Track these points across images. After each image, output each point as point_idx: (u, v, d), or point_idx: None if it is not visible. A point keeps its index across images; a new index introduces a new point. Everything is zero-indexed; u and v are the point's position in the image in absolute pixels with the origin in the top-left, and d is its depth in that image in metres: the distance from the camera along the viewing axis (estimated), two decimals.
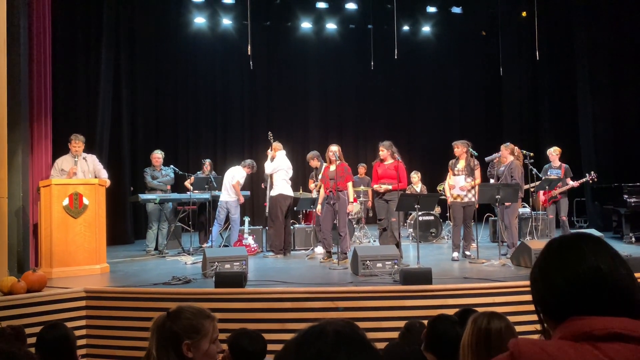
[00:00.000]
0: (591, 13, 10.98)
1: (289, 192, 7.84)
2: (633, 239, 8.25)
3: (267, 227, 8.23)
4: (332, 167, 7.07)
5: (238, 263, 5.73)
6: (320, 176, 8.19)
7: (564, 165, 8.18)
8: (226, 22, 12.65)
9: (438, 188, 9.70)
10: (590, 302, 1.04)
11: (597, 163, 10.56)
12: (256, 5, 10.59)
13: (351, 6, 12.82)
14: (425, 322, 2.77)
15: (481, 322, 2.19)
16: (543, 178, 7.89)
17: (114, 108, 9.88)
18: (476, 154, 7.06)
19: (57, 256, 5.94)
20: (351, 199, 7.14)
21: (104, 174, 6.92)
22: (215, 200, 8.32)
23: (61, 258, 5.96)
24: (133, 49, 10.94)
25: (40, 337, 2.81)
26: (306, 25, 13.22)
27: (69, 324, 3.83)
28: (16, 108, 6.07)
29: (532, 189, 7.82)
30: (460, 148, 7.12)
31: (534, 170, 7.64)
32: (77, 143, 6.79)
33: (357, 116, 14.01)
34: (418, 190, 9.90)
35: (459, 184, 7.01)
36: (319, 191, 8.16)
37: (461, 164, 7.10)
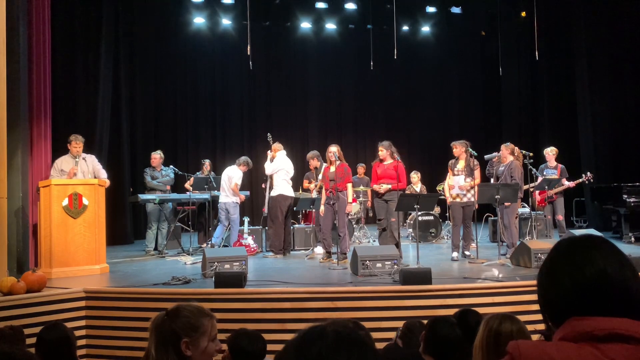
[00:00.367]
0: (590, 13, 10.98)
1: (290, 192, 7.84)
2: (632, 239, 8.26)
3: (266, 227, 8.23)
4: (332, 168, 7.07)
5: (238, 263, 5.72)
6: (320, 176, 8.20)
7: (560, 165, 8.18)
8: (226, 22, 12.66)
9: (438, 188, 9.70)
10: (596, 303, 1.04)
11: (596, 163, 10.56)
12: (256, 6, 10.58)
13: (350, 6, 12.82)
14: (425, 322, 2.78)
15: (492, 323, 2.19)
16: (541, 178, 7.90)
17: (114, 108, 9.88)
18: (475, 154, 7.06)
19: (57, 256, 5.93)
20: (350, 200, 7.14)
21: (103, 174, 6.92)
22: (214, 200, 8.32)
23: (61, 258, 5.96)
24: (132, 49, 10.94)
25: (40, 338, 2.81)
26: (306, 25, 13.22)
27: (69, 324, 3.83)
28: (15, 108, 6.07)
29: (531, 189, 7.82)
30: (459, 148, 7.12)
31: (534, 170, 7.64)
32: (78, 144, 6.79)
33: (356, 116, 14.02)
34: (417, 190, 9.91)
35: (459, 184, 7.02)
36: (319, 191, 8.17)
37: (461, 164, 7.10)
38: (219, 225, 8.15)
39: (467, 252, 7.08)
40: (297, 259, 7.50)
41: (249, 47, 9.07)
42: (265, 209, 8.07)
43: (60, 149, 7.03)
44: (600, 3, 10.85)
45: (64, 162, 6.73)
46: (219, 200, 8.23)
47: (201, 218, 9.02)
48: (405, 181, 7.22)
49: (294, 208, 8.07)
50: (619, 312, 1.02)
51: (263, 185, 8.68)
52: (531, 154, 7.50)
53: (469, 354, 2.68)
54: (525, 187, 7.67)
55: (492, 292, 4.89)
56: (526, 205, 8.25)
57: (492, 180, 7.65)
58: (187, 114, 12.85)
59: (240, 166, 8.32)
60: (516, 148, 7.48)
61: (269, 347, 2.72)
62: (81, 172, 6.76)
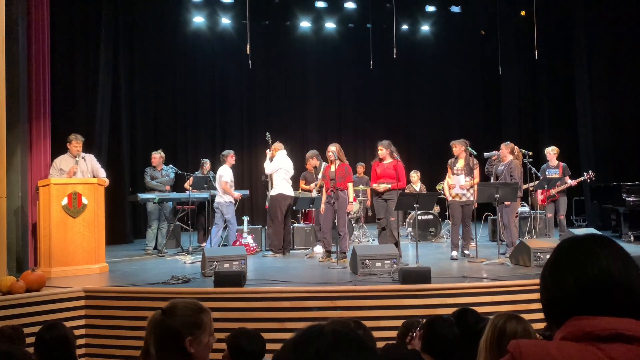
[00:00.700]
0: (590, 12, 10.98)
1: (289, 191, 7.84)
2: (632, 238, 8.26)
3: (266, 227, 8.22)
4: (333, 167, 7.05)
5: (237, 262, 5.73)
6: (320, 175, 8.20)
7: (561, 164, 8.18)
8: (225, 21, 12.64)
9: (437, 187, 9.70)
10: (598, 303, 1.03)
11: (595, 162, 10.56)
12: (255, 5, 10.57)
13: (350, 5, 12.80)
14: (424, 321, 2.78)
15: (498, 321, 2.19)
16: (541, 177, 7.90)
17: (113, 107, 9.87)
18: (475, 153, 7.07)
19: (56, 256, 5.93)
20: (351, 199, 7.14)
21: (102, 173, 6.92)
22: (214, 199, 8.31)
23: (60, 257, 5.95)
24: (132, 48, 10.93)
25: (39, 337, 2.81)
26: (305, 24, 13.21)
27: (68, 324, 3.83)
28: (15, 108, 6.07)
29: (531, 189, 7.83)
30: (458, 147, 7.13)
31: (533, 169, 7.64)
32: (78, 143, 6.80)
33: (355, 115, 14.01)
34: (417, 189, 9.91)
35: (460, 183, 7.02)
36: (319, 190, 8.17)
37: (460, 163, 7.11)
38: (213, 227, 8.11)
39: (466, 251, 7.08)
40: (296, 258, 7.50)
41: (248, 46, 9.06)
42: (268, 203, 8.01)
43: (59, 148, 7.02)
44: (600, 2, 10.84)
45: (63, 162, 6.73)
46: (215, 201, 8.21)
47: (200, 217, 9.02)
48: (404, 180, 7.22)
49: (294, 207, 8.06)
50: (621, 312, 1.02)
51: (263, 178, 8.58)
52: (530, 153, 7.50)
53: (467, 353, 2.68)
54: (525, 186, 7.67)
55: (491, 291, 4.89)
56: (525, 204, 8.26)
57: (491, 179, 7.66)
58: (186, 113, 12.83)
59: (227, 161, 8.21)
60: (516, 147, 7.48)
61: (269, 346, 2.72)
62: (80, 172, 6.76)
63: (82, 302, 4.93)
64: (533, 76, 12.94)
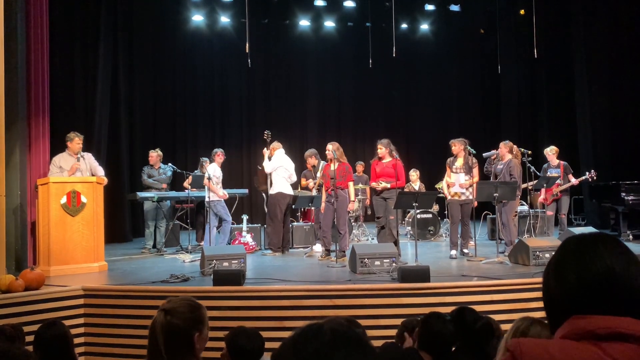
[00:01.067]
0: (589, 11, 10.98)
1: (289, 190, 7.83)
2: (630, 237, 8.27)
3: (265, 225, 8.22)
4: (332, 166, 7.04)
5: (236, 261, 5.72)
6: (318, 174, 8.20)
7: (562, 162, 8.19)
8: (224, 19, 12.63)
9: (436, 186, 9.71)
10: (601, 301, 1.03)
11: (595, 161, 10.57)
12: (254, 3, 10.56)
13: (349, 4, 12.79)
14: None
15: (521, 324, 2.19)
16: (541, 176, 7.91)
17: (112, 106, 9.87)
18: (474, 152, 7.07)
19: (55, 254, 5.93)
20: (352, 198, 7.13)
21: (100, 171, 6.91)
22: None
23: (59, 256, 5.95)
24: (131, 46, 10.91)
25: (38, 336, 2.81)
26: (304, 23, 13.20)
27: (67, 322, 3.82)
28: (14, 106, 6.06)
29: (530, 187, 7.84)
30: (457, 146, 7.13)
31: (532, 168, 7.65)
32: (80, 140, 6.81)
33: (355, 114, 14.00)
34: (416, 188, 9.91)
35: (459, 182, 7.03)
36: (318, 189, 8.16)
37: (459, 162, 7.11)
38: (206, 226, 8.05)
39: (465, 250, 7.08)
40: (295, 256, 7.50)
41: (247, 45, 9.05)
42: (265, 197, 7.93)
43: (58, 146, 7.01)
44: (599, 1, 10.84)
45: (62, 160, 6.71)
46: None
47: (200, 216, 9.01)
48: (403, 179, 7.23)
49: (293, 206, 8.06)
50: (623, 311, 1.01)
51: (259, 167, 8.41)
52: (530, 152, 7.50)
53: (467, 353, 2.69)
54: (524, 185, 7.68)
55: (490, 290, 4.89)
56: (525, 203, 8.26)
57: (490, 179, 7.66)
58: (185, 111, 12.82)
59: (215, 160, 8.14)
60: (514, 146, 7.49)
61: (267, 344, 2.72)
62: (79, 170, 6.76)
63: (81, 301, 4.93)
64: (532, 75, 12.95)
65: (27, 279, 4.86)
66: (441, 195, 7.91)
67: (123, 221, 9.99)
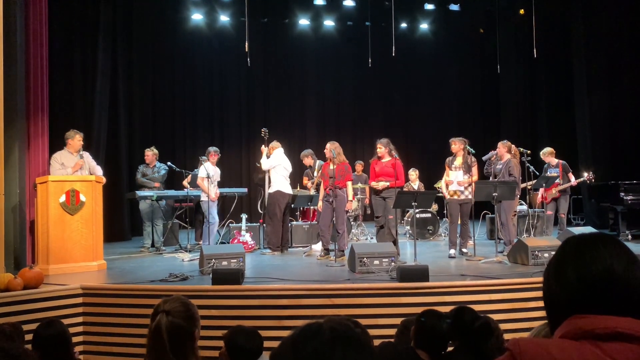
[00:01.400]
0: (589, 11, 10.99)
1: (287, 189, 7.82)
2: (629, 237, 8.28)
3: (264, 224, 8.21)
4: (332, 166, 7.03)
5: (235, 260, 5.72)
6: (316, 173, 8.20)
7: (560, 162, 8.20)
8: (224, 18, 12.62)
9: (436, 185, 9.71)
10: (600, 301, 1.03)
11: (593, 160, 10.58)
12: (254, 2, 10.56)
13: (349, 3, 12.79)
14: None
15: (542, 329, 2.19)
16: (540, 175, 7.91)
17: (111, 104, 9.85)
18: (473, 151, 7.07)
19: (54, 253, 5.93)
20: (350, 197, 7.14)
21: (99, 170, 6.91)
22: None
23: (58, 255, 5.95)
24: (130, 45, 10.90)
25: (37, 334, 2.81)
26: (304, 22, 13.19)
27: (66, 321, 3.83)
28: (13, 104, 6.05)
29: (529, 187, 7.85)
30: (457, 145, 7.13)
31: (532, 168, 7.65)
32: (81, 138, 6.82)
33: (354, 113, 14.00)
34: (415, 187, 9.91)
35: (457, 179, 7.03)
36: (316, 189, 8.16)
37: (458, 161, 7.12)
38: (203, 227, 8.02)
39: (464, 250, 7.09)
40: (294, 256, 7.50)
41: (246, 43, 9.05)
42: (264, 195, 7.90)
43: (57, 145, 7.01)
44: (599, 1, 10.85)
45: (63, 157, 6.72)
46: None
47: (199, 215, 8.99)
48: (403, 178, 7.22)
49: (292, 205, 8.05)
50: (623, 311, 1.02)
51: (257, 164, 8.24)
52: (529, 152, 7.51)
53: (463, 350, 2.69)
54: (523, 185, 7.68)
55: (489, 289, 4.90)
56: (524, 202, 8.26)
57: (490, 179, 7.66)
58: (184, 110, 12.82)
59: (210, 160, 8.08)
60: (513, 146, 7.49)
61: (266, 344, 2.72)
62: (81, 168, 6.77)
63: (79, 300, 4.92)
64: (531, 74, 12.96)
65: (26, 277, 4.86)
66: (440, 194, 7.91)
67: (122, 220, 9.98)
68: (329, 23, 13.28)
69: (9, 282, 4.72)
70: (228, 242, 8.19)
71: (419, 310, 4.42)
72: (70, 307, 4.85)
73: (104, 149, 9.36)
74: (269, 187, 7.81)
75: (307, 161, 8.52)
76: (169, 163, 8.65)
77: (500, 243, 7.14)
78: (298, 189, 9.05)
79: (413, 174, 10.13)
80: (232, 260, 5.71)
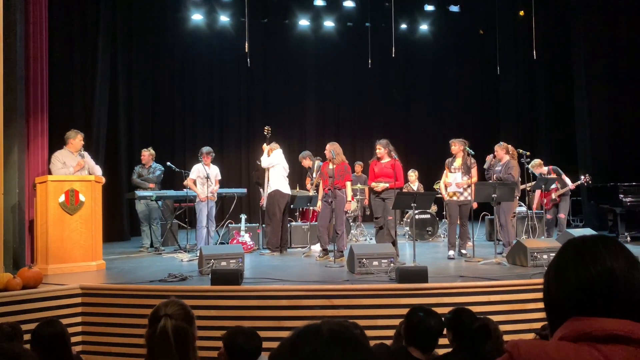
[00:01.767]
0: (588, 12, 10.99)
1: (286, 189, 7.82)
2: (628, 238, 8.29)
3: (263, 225, 8.20)
4: (331, 166, 7.03)
5: (234, 260, 5.72)
6: (315, 174, 8.19)
7: (550, 167, 8.26)
8: (223, 19, 12.62)
9: (435, 187, 9.71)
10: (600, 303, 1.03)
11: (593, 162, 10.59)
12: (254, 2, 10.56)
13: (349, 4, 12.80)
14: None
15: None
16: (539, 177, 7.92)
17: (111, 104, 9.85)
18: (473, 153, 7.07)
19: (53, 253, 5.93)
20: (349, 198, 7.14)
21: (98, 170, 6.91)
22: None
23: (57, 254, 5.95)
24: (130, 45, 10.91)
25: (36, 334, 2.81)
26: (304, 22, 13.20)
27: (65, 321, 3.83)
28: (12, 104, 6.05)
29: (528, 188, 7.86)
30: (457, 146, 7.13)
31: (531, 169, 7.66)
32: (82, 138, 6.83)
33: (354, 114, 14.01)
34: (415, 188, 9.92)
35: (456, 181, 7.03)
36: (315, 189, 8.16)
37: (458, 162, 7.12)
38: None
39: (463, 251, 7.09)
40: (293, 256, 7.50)
41: (246, 44, 9.05)
42: (264, 200, 7.91)
43: (57, 145, 7.00)
44: (598, 2, 10.86)
45: (64, 156, 6.72)
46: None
47: None
48: (402, 179, 7.23)
49: (291, 206, 8.05)
50: (622, 313, 1.02)
51: (258, 161, 8.20)
52: (528, 153, 7.51)
53: (461, 351, 2.69)
54: (522, 186, 7.68)
55: (488, 290, 4.90)
56: (523, 204, 8.27)
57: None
58: (184, 110, 12.81)
59: (203, 161, 7.99)
60: (509, 146, 7.49)
61: (265, 344, 2.72)
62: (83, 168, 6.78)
63: (78, 300, 4.92)
64: (531, 76, 12.97)
65: (25, 277, 4.86)
66: (440, 195, 7.92)
67: (121, 220, 9.98)
68: (328, 24, 13.29)
69: (8, 282, 4.72)
70: (227, 243, 8.19)
71: None
72: (69, 307, 4.85)
73: (103, 149, 9.36)
74: (268, 187, 7.80)
75: (306, 163, 8.52)
76: (168, 163, 8.62)
77: (499, 244, 7.14)
78: (297, 189, 9.04)
79: (412, 174, 10.13)
80: (231, 261, 5.71)
